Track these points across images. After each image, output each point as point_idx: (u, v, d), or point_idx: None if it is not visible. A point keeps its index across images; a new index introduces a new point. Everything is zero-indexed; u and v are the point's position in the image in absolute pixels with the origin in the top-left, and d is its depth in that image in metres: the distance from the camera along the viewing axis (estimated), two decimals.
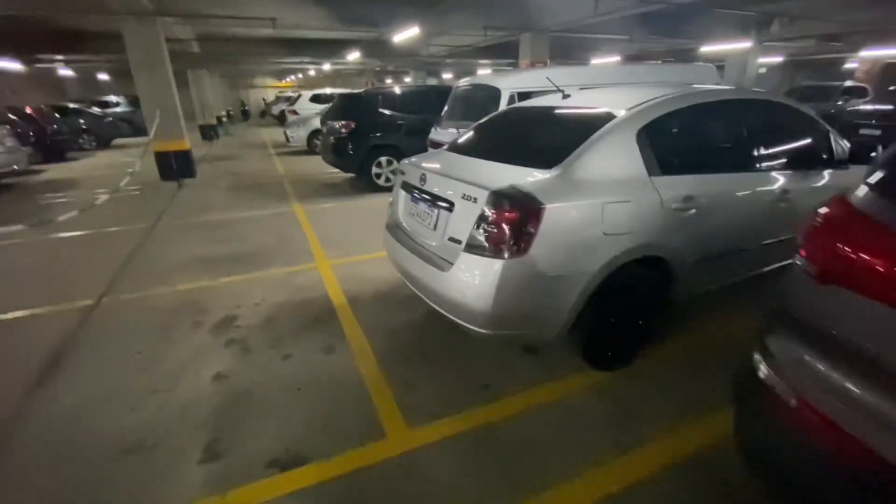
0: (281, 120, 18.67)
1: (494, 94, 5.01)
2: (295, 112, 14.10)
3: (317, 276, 3.95)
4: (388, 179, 7.25)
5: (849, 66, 21.75)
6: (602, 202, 2.14)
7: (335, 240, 4.92)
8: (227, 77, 26.68)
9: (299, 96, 14.94)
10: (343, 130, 6.94)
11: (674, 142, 2.50)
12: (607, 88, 3.34)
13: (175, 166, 7.72)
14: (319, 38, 13.50)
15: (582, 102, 2.81)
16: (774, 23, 12.72)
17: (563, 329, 2.26)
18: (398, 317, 3.20)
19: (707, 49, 12.13)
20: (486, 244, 2.09)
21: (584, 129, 2.43)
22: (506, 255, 2.04)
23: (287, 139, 12.18)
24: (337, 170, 8.02)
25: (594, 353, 2.47)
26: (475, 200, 2.17)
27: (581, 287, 2.17)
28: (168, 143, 7.57)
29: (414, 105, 7.29)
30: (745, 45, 11.97)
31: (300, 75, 26.44)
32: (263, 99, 32.00)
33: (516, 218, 2.03)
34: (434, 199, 2.51)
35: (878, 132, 10.38)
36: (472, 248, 2.15)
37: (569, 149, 2.27)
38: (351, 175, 8.18)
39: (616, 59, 14.52)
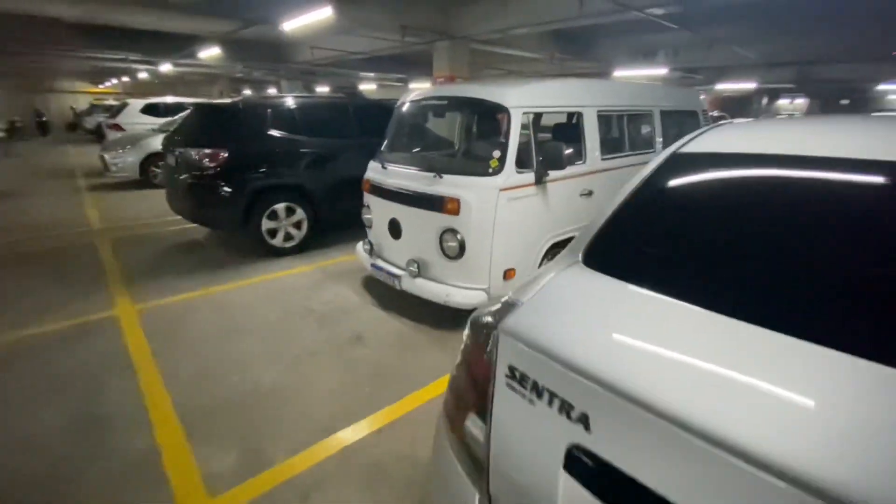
0: (99, 135, 13.87)
1: (497, 115, 3.04)
2: (119, 127, 10.13)
3: None
4: (288, 237, 4.69)
5: None
6: None
7: (224, 411, 2.35)
8: (9, 77, 19.70)
9: (124, 106, 10.92)
10: (209, 164, 4.22)
11: None
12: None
13: None
14: (154, 29, 9.93)
15: None
16: (660, 53, 13.28)
17: None
18: None
19: (619, 74, 12.00)
20: None
21: None
22: None
23: (106, 166, 8.39)
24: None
25: None
26: None
27: None
28: None
29: (324, 124, 4.91)
30: (655, 71, 12.08)
31: (126, 78, 20.85)
32: (72, 107, 24.79)
33: None
34: None
35: None
36: None
37: None
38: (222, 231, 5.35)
39: None
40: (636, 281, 1.04)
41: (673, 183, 1.35)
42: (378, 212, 3.59)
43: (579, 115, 3.51)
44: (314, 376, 2.62)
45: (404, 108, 3.72)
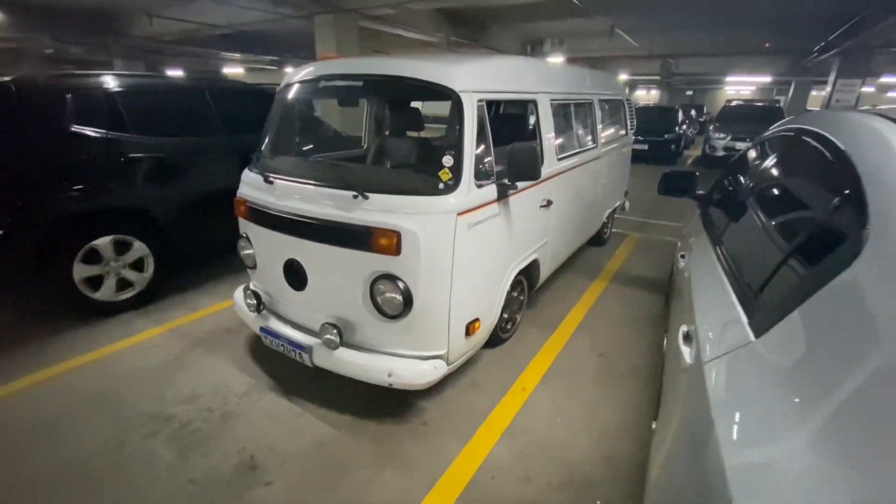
0: None
1: (439, 99, 2.07)
2: None
3: None
4: (124, 285, 3.17)
5: None
6: None
7: None
8: None
9: None
10: None
11: None
12: None
13: None
14: None
15: None
16: (546, 42, 13.38)
17: None
18: None
19: None
20: None
21: None
22: None
23: None
24: None
25: None
26: None
27: None
28: None
29: (169, 117, 3.42)
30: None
31: None
32: None
33: None
34: None
35: (645, 147, 12.02)
36: None
37: None
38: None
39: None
40: None
41: None
42: (265, 248, 2.40)
43: (533, 103, 2.70)
44: None
45: (294, 93, 2.54)
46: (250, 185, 2.43)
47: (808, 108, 17.00)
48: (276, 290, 2.40)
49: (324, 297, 2.19)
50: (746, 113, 11.88)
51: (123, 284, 3.17)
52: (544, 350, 2.82)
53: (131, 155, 3.12)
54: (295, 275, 2.23)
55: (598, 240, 4.61)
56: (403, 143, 2.61)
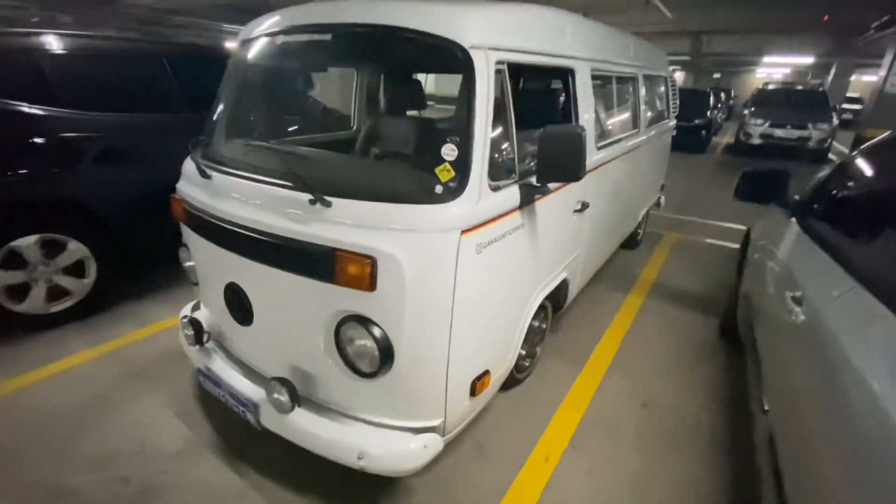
0: None
1: (445, 60, 1.41)
2: None
3: None
4: (57, 294, 2.60)
5: None
6: None
7: None
8: None
9: None
10: None
11: None
12: None
13: None
14: None
15: None
16: None
17: None
18: None
19: None
20: None
21: None
22: None
23: None
24: None
25: None
26: None
27: None
28: None
29: (116, 88, 2.79)
30: None
31: None
32: None
33: None
34: None
35: (673, 132, 11.11)
36: None
37: None
38: None
39: None
40: None
41: None
42: (204, 264, 1.80)
43: (570, 73, 2.02)
44: None
45: (251, 52, 1.89)
46: (189, 180, 1.81)
47: (849, 95, 15.76)
48: (220, 319, 1.80)
49: (274, 340, 1.59)
50: (785, 98, 10.92)
51: (56, 293, 2.60)
52: (571, 395, 2.20)
53: (61, 134, 2.51)
54: (238, 304, 1.63)
55: (631, 242, 3.94)
56: (392, 124, 1.95)
